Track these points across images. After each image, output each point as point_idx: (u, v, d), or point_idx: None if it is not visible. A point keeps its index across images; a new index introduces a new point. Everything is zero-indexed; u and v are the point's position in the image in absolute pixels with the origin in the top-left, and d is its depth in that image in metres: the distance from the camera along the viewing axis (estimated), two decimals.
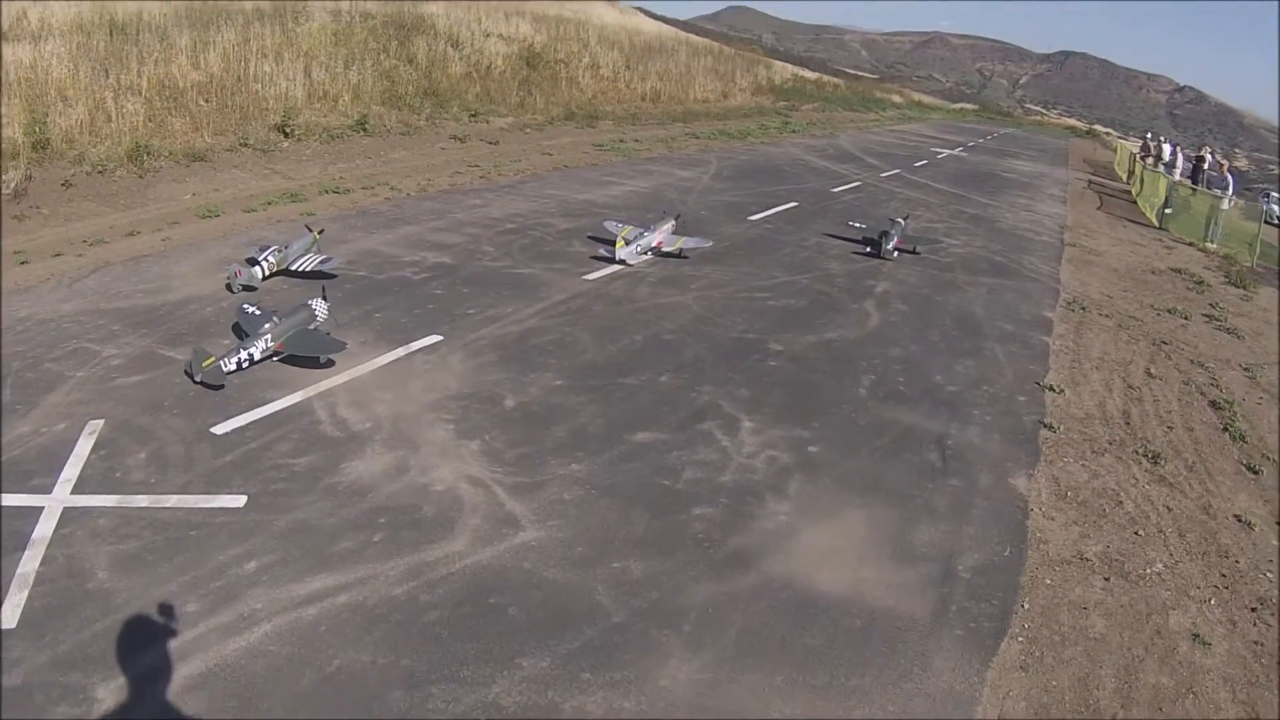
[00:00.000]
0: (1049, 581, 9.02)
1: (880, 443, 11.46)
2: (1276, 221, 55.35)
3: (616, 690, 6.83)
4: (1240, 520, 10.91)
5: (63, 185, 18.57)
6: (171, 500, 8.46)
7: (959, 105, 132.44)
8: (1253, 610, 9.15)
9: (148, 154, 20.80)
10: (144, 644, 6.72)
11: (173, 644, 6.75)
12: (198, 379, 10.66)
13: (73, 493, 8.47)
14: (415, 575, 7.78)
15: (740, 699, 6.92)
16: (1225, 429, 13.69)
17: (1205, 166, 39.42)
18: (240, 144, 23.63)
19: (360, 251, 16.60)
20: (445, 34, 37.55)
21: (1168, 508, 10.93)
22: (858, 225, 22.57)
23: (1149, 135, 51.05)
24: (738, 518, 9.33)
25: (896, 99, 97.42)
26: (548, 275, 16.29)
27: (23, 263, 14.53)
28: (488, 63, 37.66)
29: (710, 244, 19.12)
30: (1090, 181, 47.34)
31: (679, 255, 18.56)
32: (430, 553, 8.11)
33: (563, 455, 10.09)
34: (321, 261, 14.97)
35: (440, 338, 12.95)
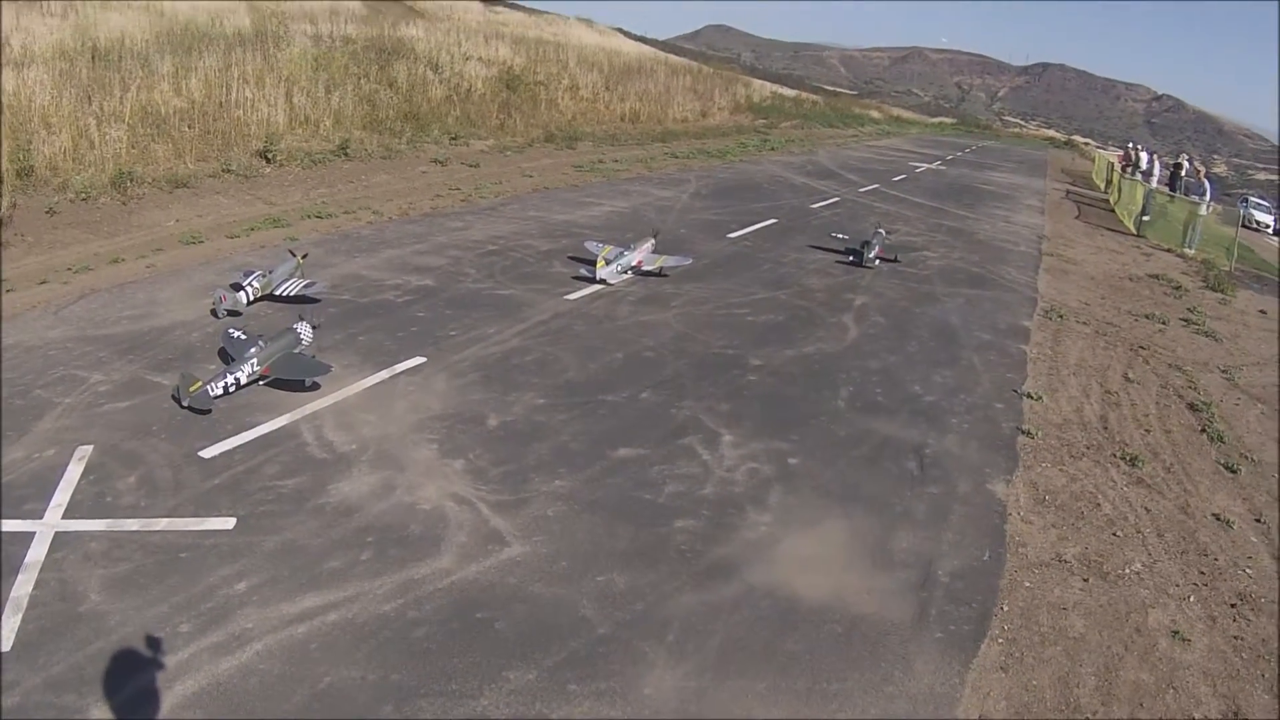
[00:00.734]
0: (1028, 584, 9.18)
1: (859, 453, 11.62)
2: (1255, 226, 55.84)
3: (603, 700, 6.96)
4: (1219, 519, 11.11)
5: (47, 213, 18.64)
6: (161, 523, 8.56)
7: (938, 119, 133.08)
8: (1232, 606, 9.34)
9: (131, 181, 20.86)
10: (137, 665, 6.83)
11: (166, 664, 6.85)
12: (185, 404, 10.75)
13: (64, 517, 8.56)
14: (403, 592, 7.90)
15: (724, 705, 7.05)
16: (1203, 430, 13.91)
17: (1183, 173, 39.74)
18: (223, 170, 23.68)
19: (344, 275, 16.71)
20: (425, 57, 37.74)
21: (1146, 509, 11.13)
22: (840, 236, 23.43)
23: (1130, 145, 51.32)
24: (719, 529, 9.46)
25: (875, 114, 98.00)
26: (529, 296, 16.43)
27: (9, 291, 14.60)
28: (468, 86, 37.88)
29: (690, 261, 19.29)
30: (1068, 191, 47.72)
31: (659, 274, 18.72)
32: (417, 570, 8.22)
33: (546, 472, 10.21)
34: (305, 286, 15.06)
35: (424, 359, 13.05)
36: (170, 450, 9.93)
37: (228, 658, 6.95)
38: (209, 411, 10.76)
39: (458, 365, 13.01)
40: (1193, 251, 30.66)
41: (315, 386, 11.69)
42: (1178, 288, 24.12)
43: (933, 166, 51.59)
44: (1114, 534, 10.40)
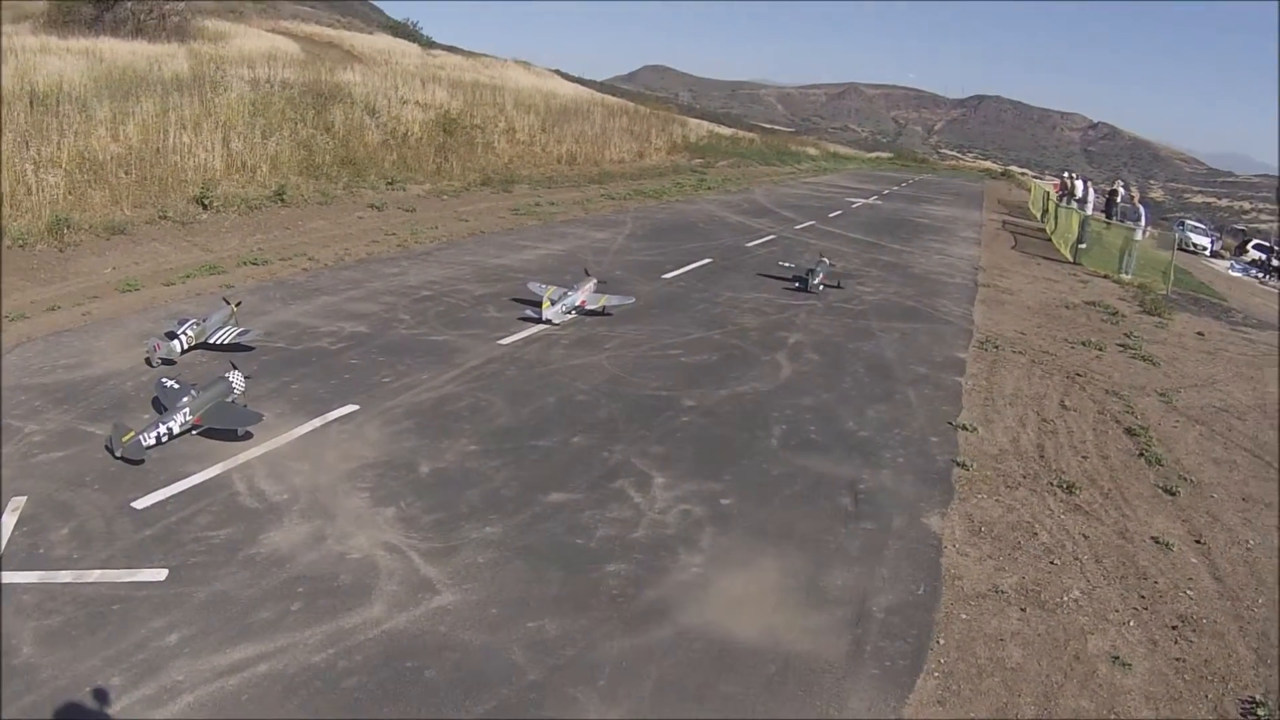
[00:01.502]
0: (964, 616, 9.29)
1: (792, 491, 11.73)
2: (1192, 249, 56.82)
3: None
4: (1158, 542, 11.31)
5: None
6: (94, 575, 8.61)
7: (874, 154, 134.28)
8: (1173, 628, 9.50)
9: (68, 227, 20.85)
10: (69, 719, 6.89)
11: (98, 718, 6.92)
12: (118, 454, 10.78)
13: None
14: (334, 642, 7.96)
15: None
16: (1141, 454, 14.16)
17: (1118, 200, 40.44)
18: (159, 216, 23.67)
19: (278, 323, 16.77)
20: (362, 102, 37.80)
21: (1084, 535, 11.29)
22: (787, 265, 25.67)
23: (1066, 174, 52.17)
24: (651, 572, 9.53)
25: (812, 151, 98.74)
26: (463, 341, 16.52)
27: None
28: (404, 130, 37.98)
29: (633, 300, 19.76)
30: (1005, 222, 48.43)
31: (603, 312, 19.05)
32: (348, 620, 8.29)
33: (477, 519, 10.29)
34: (239, 334, 15.09)
35: (356, 407, 13.12)
36: (103, 501, 9.97)
37: (159, 710, 7.00)
38: (142, 461, 10.79)
39: (390, 412, 13.09)
40: (1129, 277, 31.31)
41: (248, 436, 11.74)
42: (1114, 313, 24.65)
43: (869, 201, 52.20)
44: (1052, 562, 10.54)
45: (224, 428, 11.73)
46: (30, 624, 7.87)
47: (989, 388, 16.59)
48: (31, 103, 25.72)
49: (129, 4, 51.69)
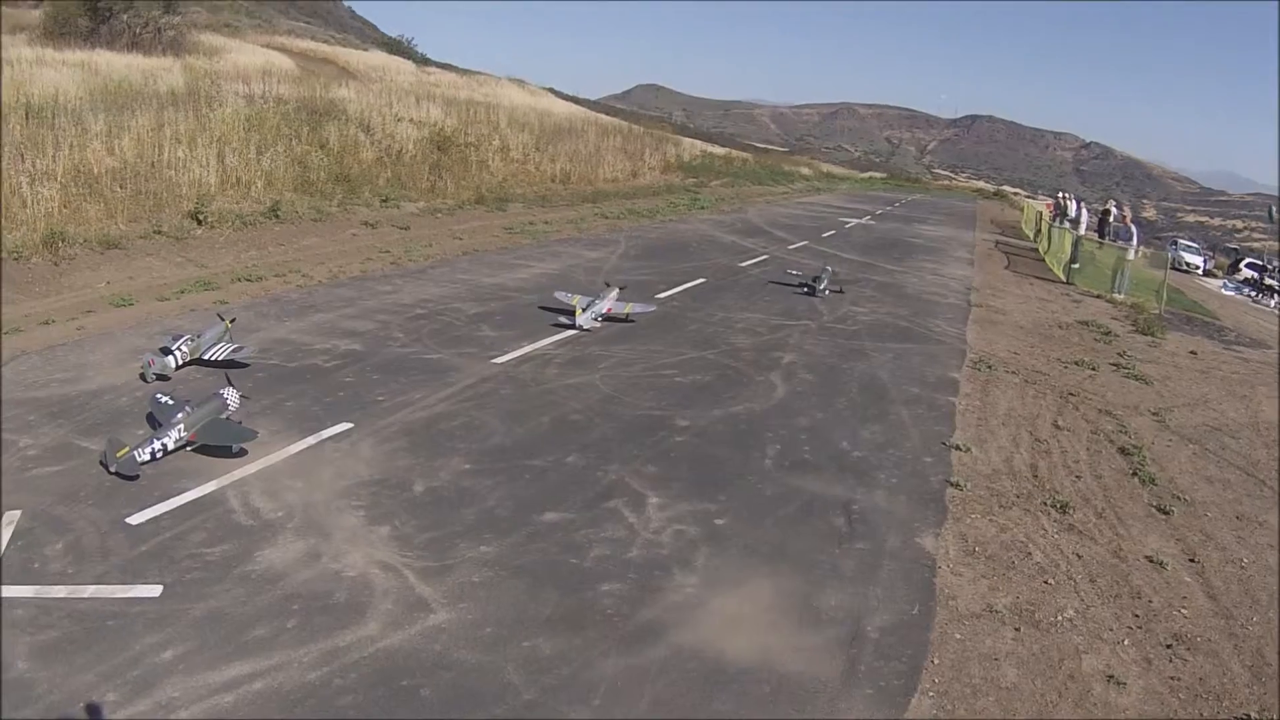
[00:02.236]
0: (958, 636, 9.28)
1: (786, 511, 11.71)
2: (1185, 268, 57.03)
3: None
4: (1152, 561, 11.31)
5: None
6: (89, 590, 8.60)
7: (868, 174, 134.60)
8: (1168, 647, 9.51)
9: (63, 241, 20.79)
10: None
11: None
12: (112, 469, 10.77)
13: None
14: (329, 660, 7.95)
15: None
16: (1134, 473, 14.18)
17: (1110, 219, 40.62)
18: (154, 231, 23.66)
19: (272, 340, 16.76)
20: (357, 119, 37.81)
21: (1078, 555, 11.29)
22: (795, 272, 28.08)
23: (1059, 194, 52.39)
24: (645, 592, 9.51)
25: (805, 171, 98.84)
26: (457, 360, 16.53)
27: None
28: (399, 147, 37.98)
29: (654, 308, 21.13)
30: (998, 242, 48.63)
31: (627, 319, 20.13)
32: (343, 638, 8.27)
33: (471, 538, 10.28)
34: (234, 350, 15.08)
35: (351, 425, 13.10)
36: (98, 516, 9.95)
37: None
38: (136, 477, 10.78)
39: (385, 430, 13.09)
40: (1122, 296, 31.44)
41: (242, 452, 11.72)
42: (1107, 333, 24.77)
43: (862, 221, 52.32)
44: (1046, 582, 10.54)
45: (219, 444, 11.71)
46: (25, 638, 7.85)
47: (982, 408, 16.63)
48: (27, 115, 25.69)
49: (125, 17, 51.77)
